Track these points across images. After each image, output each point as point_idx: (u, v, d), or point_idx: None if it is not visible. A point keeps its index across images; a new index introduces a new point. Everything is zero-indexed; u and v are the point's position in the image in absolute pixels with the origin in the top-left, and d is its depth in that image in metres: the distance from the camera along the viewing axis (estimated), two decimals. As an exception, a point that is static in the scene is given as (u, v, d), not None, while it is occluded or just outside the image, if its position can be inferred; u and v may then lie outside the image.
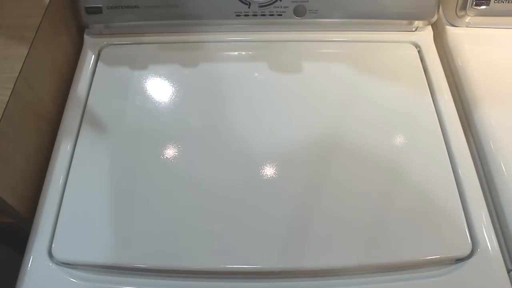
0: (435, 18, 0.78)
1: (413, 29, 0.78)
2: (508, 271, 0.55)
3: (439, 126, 0.67)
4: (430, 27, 0.79)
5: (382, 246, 0.56)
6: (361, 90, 0.71)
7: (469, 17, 0.78)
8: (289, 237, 0.55)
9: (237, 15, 0.74)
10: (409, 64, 0.75)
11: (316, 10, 0.73)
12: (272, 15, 0.73)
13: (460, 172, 0.62)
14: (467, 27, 0.79)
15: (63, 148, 0.64)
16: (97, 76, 0.72)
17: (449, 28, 0.79)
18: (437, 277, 0.54)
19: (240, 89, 0.70)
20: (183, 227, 0.56)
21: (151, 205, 0.58)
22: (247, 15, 0.74)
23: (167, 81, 0.72)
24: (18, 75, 0.59)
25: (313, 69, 0.73)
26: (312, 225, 0.57)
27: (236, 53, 0.76)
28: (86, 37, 0.77)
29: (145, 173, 0.62)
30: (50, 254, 0.55)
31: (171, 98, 0.69)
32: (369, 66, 0.75)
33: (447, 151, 0.64)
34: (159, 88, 0.71)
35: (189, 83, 0.71)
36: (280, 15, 0.73)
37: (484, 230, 0.57)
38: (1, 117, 0.55)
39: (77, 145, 0.64)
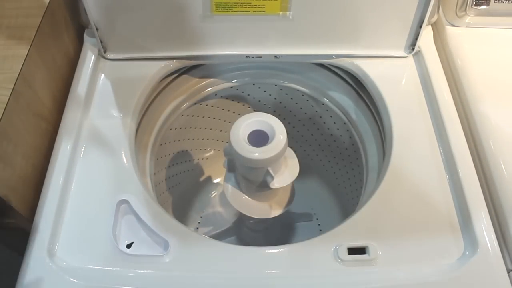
0: (435, 18, 0.78)
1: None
2: (508, 271, 0.55)
3: (439, 126, 0.67)
4: (430, 27, 0.79)
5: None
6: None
7: (469, 17, 0.78)
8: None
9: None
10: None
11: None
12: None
13: (460, 172, 0.62)
14: (467, 27, 0.79)
15: (63, 148, 0.64)
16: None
17: (449, 28, 0.79)
18: (437, 277, 0.54)
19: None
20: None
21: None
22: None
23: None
24: (18, 75, 0.59)
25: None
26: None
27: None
28: (86, 37, 0.77)
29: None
30: (50, 254, 0.55)
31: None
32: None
33: (447, 151, 0.64)
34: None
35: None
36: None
37: (484, 230, 0.57)
38: (1, 117, 0.55)
39: (77, 145, 0.64)
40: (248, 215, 0.71)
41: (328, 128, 0.92)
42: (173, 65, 0.76)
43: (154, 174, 0.79)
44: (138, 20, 0.70)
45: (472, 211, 0.58)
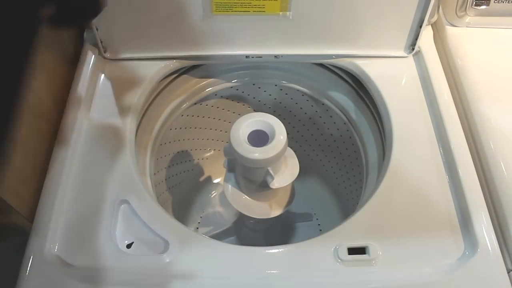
0: (435, 18, 0.78)
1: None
2: (508, 271, 0.55)
3: (439, 126, 0.67)
4: (430, 27, 0.79)
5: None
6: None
7: (469, 17, 0.78)
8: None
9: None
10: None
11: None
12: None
13: (460, 172, 0.62)
14: (467, 27, 0.79)
15: (63, 148, 0.64)
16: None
17: (449, 28, 0.79)
18: (437, 277, 0.54)
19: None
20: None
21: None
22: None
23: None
24: (18, 75, 0.59)
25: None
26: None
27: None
28: (86, 37, 0.77)
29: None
30: (50, 254, 0.55)
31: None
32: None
33: (447, 151, 0.64)
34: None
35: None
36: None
37: (484, 230, 0.57)
38: (1, 117, 0.55)
39: (77, 145, 0.64)
40: (248, 215, 0.71)
41: (328, 128, 0.92)
42: (173, 65, 0.76)
43: (154, 174, 0.79)
44: (138, 20, 0.70)
45: (472, 211, 0.58)
